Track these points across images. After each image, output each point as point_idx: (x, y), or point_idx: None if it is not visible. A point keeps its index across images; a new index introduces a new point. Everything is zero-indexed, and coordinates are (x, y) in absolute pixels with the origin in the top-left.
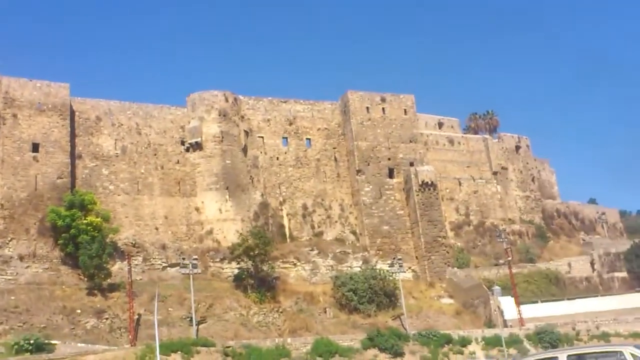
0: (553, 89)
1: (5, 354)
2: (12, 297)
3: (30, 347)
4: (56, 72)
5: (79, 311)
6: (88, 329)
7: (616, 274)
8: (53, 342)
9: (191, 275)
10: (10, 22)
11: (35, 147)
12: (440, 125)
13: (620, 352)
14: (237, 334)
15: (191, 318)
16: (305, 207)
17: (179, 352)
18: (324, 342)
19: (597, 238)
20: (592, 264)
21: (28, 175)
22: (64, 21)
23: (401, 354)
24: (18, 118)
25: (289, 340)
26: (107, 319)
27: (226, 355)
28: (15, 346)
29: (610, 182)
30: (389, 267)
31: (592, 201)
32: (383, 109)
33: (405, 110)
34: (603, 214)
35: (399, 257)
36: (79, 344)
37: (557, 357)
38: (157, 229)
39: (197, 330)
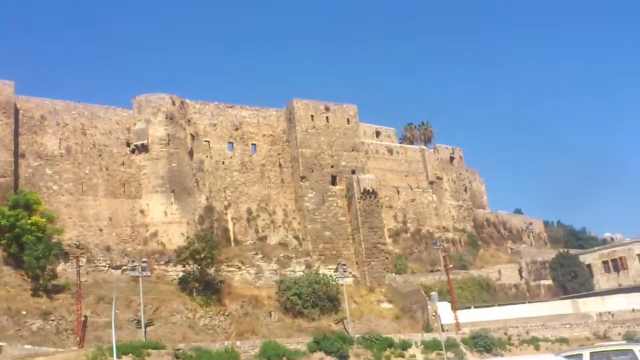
0: (484, 102)
1: None
2: None
3: None
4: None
5: (24, 312)
6: (34, 331)
7: (542, 282)
8: None
9: (140, 278)
10: None
11: None
12: (378, 134)
13: (631, 350)
14: (185, 337)
15: (138, 320)
16: (249, 211)
17: (130, 355)
18: (272, 346)
19: (524, 247)
20: (520, 271)
21: None
22: (8, 17)
23: (346, 357)
24: None
25: (237, 343)
26: (53, 320)
27: (177, 357)
28: None
29: (534, 192)
30: (334, 272)
31: (518, 211)
32: (327, 117)
33: (348, 119)
34: (530, 223)
35: (343, 262)
36: (26, 346)
37: (582, 355)
38: (101, 230)
39: (145, 332)
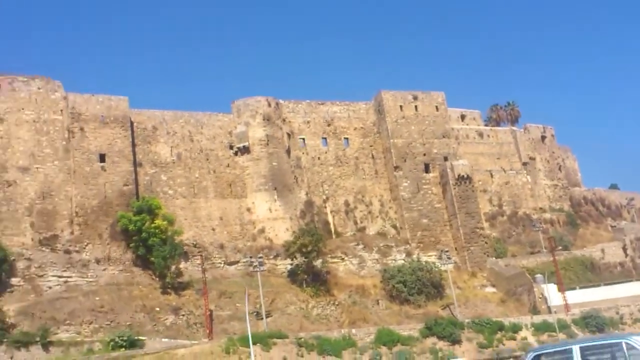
0: (568, 76)
1: (103, 350)
2: (97, 298)
3: (124, 343)
4: (114, 85)
5: (157, 309)
6: (168, 325)
7: None
8: (141, 338)
9: (259, 273)
10: (67, 38)
11: (102, 158)
12: (463, 117)
13: (620, 343)
14: (302, 327)
15: (258, 312)
16: (347, 203)
17: (258, 344)
18: (386, 332)
19: (626, 224)
20: (624, 249)
21: (97, 184)
22: (118, 39)
23: (458, 341)
24: (85, 131)
25: (353, 331)
26: (183, 315)
27: (300, 345)
28: (112, 342)
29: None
30: (437, 259)
31: (614, 187)
32: (415, 106)
33: (436, 107)
34: (632, 199)
35: (446, 249)
36: (163, 339)
37: (571, 349)
38: (213, 229)
39: (267, 323)
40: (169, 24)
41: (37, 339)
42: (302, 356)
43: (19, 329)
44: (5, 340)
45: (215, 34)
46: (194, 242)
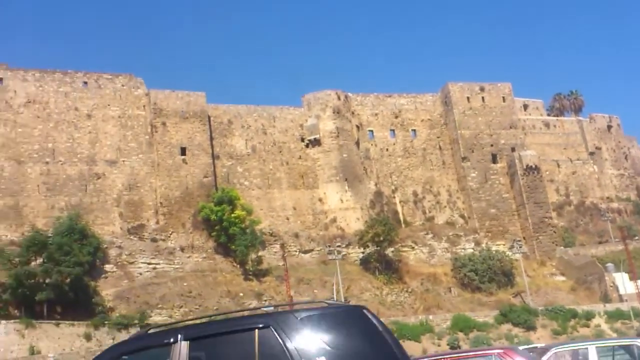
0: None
1: None
2: (185, 284)
3: None
4: (191, 81)
5: (241, 294)
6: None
7: None
8: None
9: (337, 261)
10: (148, 37)
11: (183, 151)
12: (526, 107)
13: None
14: (379, 312)
15: (335, 299)
16: (415, 194)
17: None
18: (462, 318)
19: None
20: None
21: (180, 176)
22: (192, 33)
23: (533, 328)
24: (167, 126)
25: (430, 317)
26: (265, 300)
27: None
28: None
29: None
30: (508, 248)
31: None
32: (482, 97)
33: (503, 97)
34: None
35: (518, 239)
36: None
37: (587, 348)
38: (287, 219)
39: None
40: (242, 22)
41: (136, 321)
42: None
43: (117, 312)
44: (107, 322)
45: (285, 30)
46: (270, 231)
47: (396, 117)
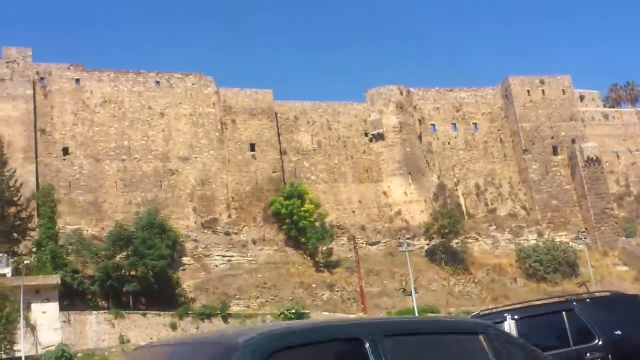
0: None
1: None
2: (260, 275)
3: (293, 316)
4: (257, 79)
5: (314, 286)
6: (325, 300)
7: None
8: (306, 311)
9: (407, 253)
10: (216, 36)
11: (252, 147)
12: (582, 98)
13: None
14: (449, 303)
15: (404, 289)
16: (477, 186)
17: None
18: None
19: None
20: None
21: (250, 172)
22: (258, 32)
23: None
24: (236, 123)
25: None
26: (337, 291)
27: None
28: (282, 315)
29: None
30: (573, 239)
31: None
32: (543, 91)
33: (563, 90)
34: None
35: (582, 230)
36: (324, 313)
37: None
38: (354, 212)
39: (414, 300)
40: (305, 19)
41: (218, 311)
42: None
43: (199, 303)
44: (190, 313)
45: (347, 26)
46: (337, 224)
47: (457, 111)
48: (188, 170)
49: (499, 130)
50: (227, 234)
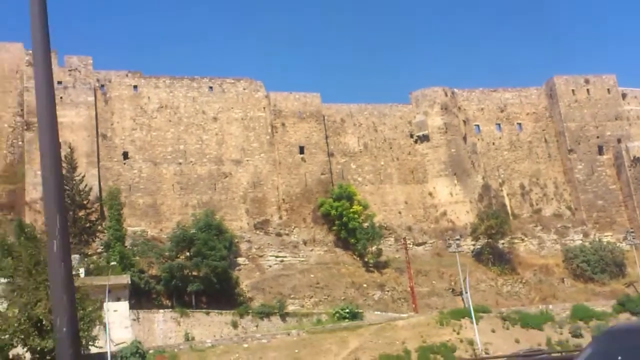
0: None
1: (329, 321)
2: (312, 275)
3: (347, 315)
4: (303, 83)
5: (365, 285)
6: (376, 300)
7: None
8: (359, 310)
9: (457, 254)
10: (265, 41)
11: (301, 150)
12: (624, 96)
13: None
14: (498, 302)
15: (453, 289)
16: (522, 186)
17: (466, 318)
18: (581, 308)
19: None
20: None
21: (299, 174)
22: (305, 36)
23: None
24: (286, 126)
25: (550, 306)
26: (388, 291)
27: (504, 319)
28: (336, 314)
29: None
30: (621, 240)
31: None
32: (587, 90)
33: (608, 89)
34: None
35: (631, 230)
36: (376, 312)
37: None
38: (400, 213)
39: (463, 300)
40: (350, 24)
41: (276, 310)
42: (507, 328)
43: (256, 302)
44: (250, 311)
45: (391, 28)
46: (384, 225)
47: (502, 111)
48: (240, 173)
49: (543, 130)
50: (279, 234)
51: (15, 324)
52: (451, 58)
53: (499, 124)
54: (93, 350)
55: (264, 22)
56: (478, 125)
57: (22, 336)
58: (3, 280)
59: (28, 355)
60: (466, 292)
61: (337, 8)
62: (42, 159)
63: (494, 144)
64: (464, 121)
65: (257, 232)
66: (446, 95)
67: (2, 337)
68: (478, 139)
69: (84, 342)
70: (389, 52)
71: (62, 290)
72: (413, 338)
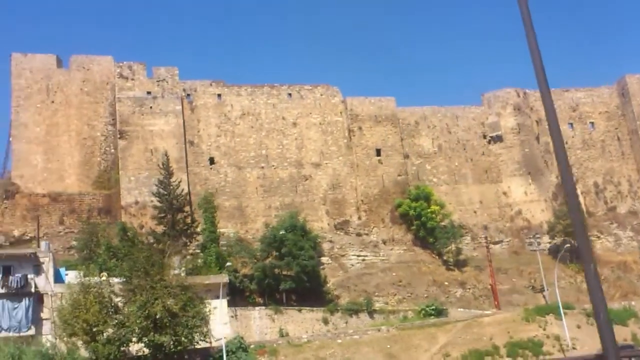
0: None
1: (415, 318)
2: (393, 274)
3: (433, 312)
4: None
5: (446, 283)
6: (458, 297)
7: None
8: (444, 308)
9: (538, 252)
10: (342, 47)
11: (378, 152)
12: None
13: None
14: (579, 300)
15: (533, 287)
16: (596, 184)
17: (551, 314)
18: None
19: None
20: None
21: (376, 175)
22: (377, 42)
23: None
24: (362, 130)
25: (632, 302)
26: (469, 289)
27: (588, 316)
28: (422, 311)
29: None
30: None
31: None
32: None
33: None
34: None
35: None
36: (459, 309)
37: None
38: (475, 212)
39: (544, 297)
40: (418, 26)
41: (363, 307)
42: (592, 324)
43: (342, 299)
44: (339, 308)
45: (464, 31)
46: (461, 224)
47: (573, 110)
48: (320, 175)
49: (616, 129)
50: (358, 234)
51: (138, 321)
52: (521, 58)
53: (571, 123)
54: (202, 345)
55: (337, 29)
56: None
57: (141, 332)
58: (117, 279)
59: (145, 350)
60: (540, 289)
61: (404, 9)
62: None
63: (566, 142)
64: (537, 121)
65: (338, 232)
66: (518, 96)
67: (123, 333)
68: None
69: (196, 337)
70: (459, 54)
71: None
72: (500, 334)
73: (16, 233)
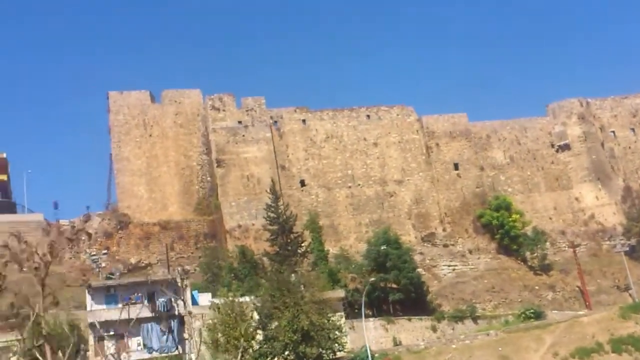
0: None
1: (516, 321)
2: (485, 281)
3: (533, 315)
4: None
5: (536, 287)
6: (549, 300)
7: None
8: (542, 311)
9: (622, 253)
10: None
11: (455, 166)
12: None
13: None
14: None
15: (618, 286)
16: None
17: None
18: None
19: None
20: None
21: (456, 189)
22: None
23: None
24: (439, 146)
25: None
26: (558, 291)
27: None
28: (522, 315)
29: None
30: None
31: None
32: None
33: None
34: None
35: None
36: (553, 311)
37: None
38: (550, 218)
39: (631, 295)
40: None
41: (467, 314)
42: None
43: (443, 308)
44: (446, 316)
45: (525, 40)
46: (540, 231)
47: (634, 116)
48: (403, 192)
49: None
50: (445, 245)
51: (288, 335)
52: (581, 68)
53: (633, 129)
54: (339, 354)
55: (406, 51)
56: (613, 131)
57: (291, 345)
58: (252, 297)
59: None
60: (625, 288)
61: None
62: None
63: (630, 147)
64: (600, 128)
65: (425, 244)
66: (581, 105)
67: (275, 347)
68: (615, 144)
69: (335, 347)
70: (524, 63)
71: None
72: (601, 332)
73: (132, 260)
